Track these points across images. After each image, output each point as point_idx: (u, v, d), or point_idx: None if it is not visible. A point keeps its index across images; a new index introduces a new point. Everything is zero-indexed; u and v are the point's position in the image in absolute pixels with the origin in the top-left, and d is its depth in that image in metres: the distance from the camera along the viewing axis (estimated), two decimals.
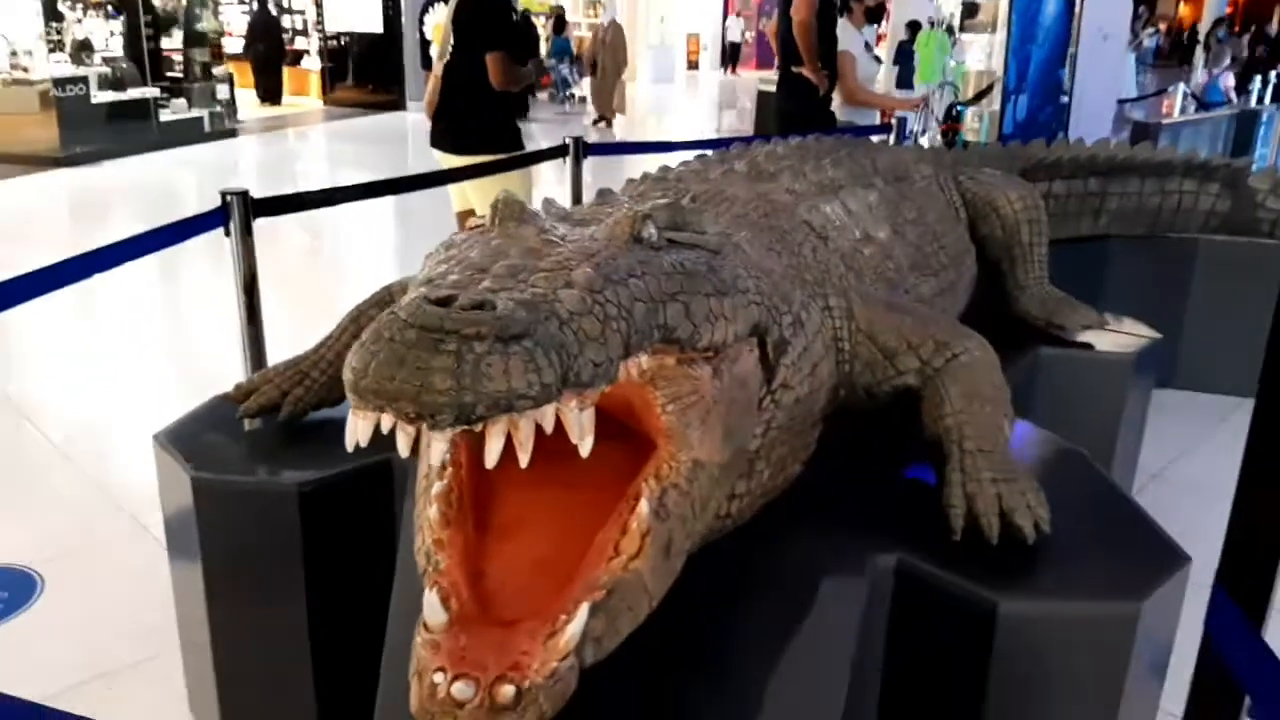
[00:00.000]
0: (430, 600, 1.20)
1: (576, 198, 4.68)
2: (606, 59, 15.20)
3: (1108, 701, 1.50)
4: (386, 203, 8.24)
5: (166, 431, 2.14)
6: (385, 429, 1.06)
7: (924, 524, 1.65)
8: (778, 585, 1.53)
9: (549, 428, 1.11)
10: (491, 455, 1.10)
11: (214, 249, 3.71)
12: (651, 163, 2.63)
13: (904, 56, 12.69)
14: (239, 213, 3.21)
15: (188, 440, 2.08)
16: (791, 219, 2.14)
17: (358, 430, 1.08)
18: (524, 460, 1.11)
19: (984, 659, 1.45)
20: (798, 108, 5.57)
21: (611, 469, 1.34)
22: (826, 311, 1.92)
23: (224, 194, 3.21)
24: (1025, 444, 2.03)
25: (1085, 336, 2.95)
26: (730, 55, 27.18)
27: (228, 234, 3.22)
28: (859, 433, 1.93)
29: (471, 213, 5.09)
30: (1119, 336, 2.99)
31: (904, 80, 12.25)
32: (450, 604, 1.20)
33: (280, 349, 2.86)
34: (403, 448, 1.09)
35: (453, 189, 5.14)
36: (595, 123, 15.11)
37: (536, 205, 1.57)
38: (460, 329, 1.03)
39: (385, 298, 2.19)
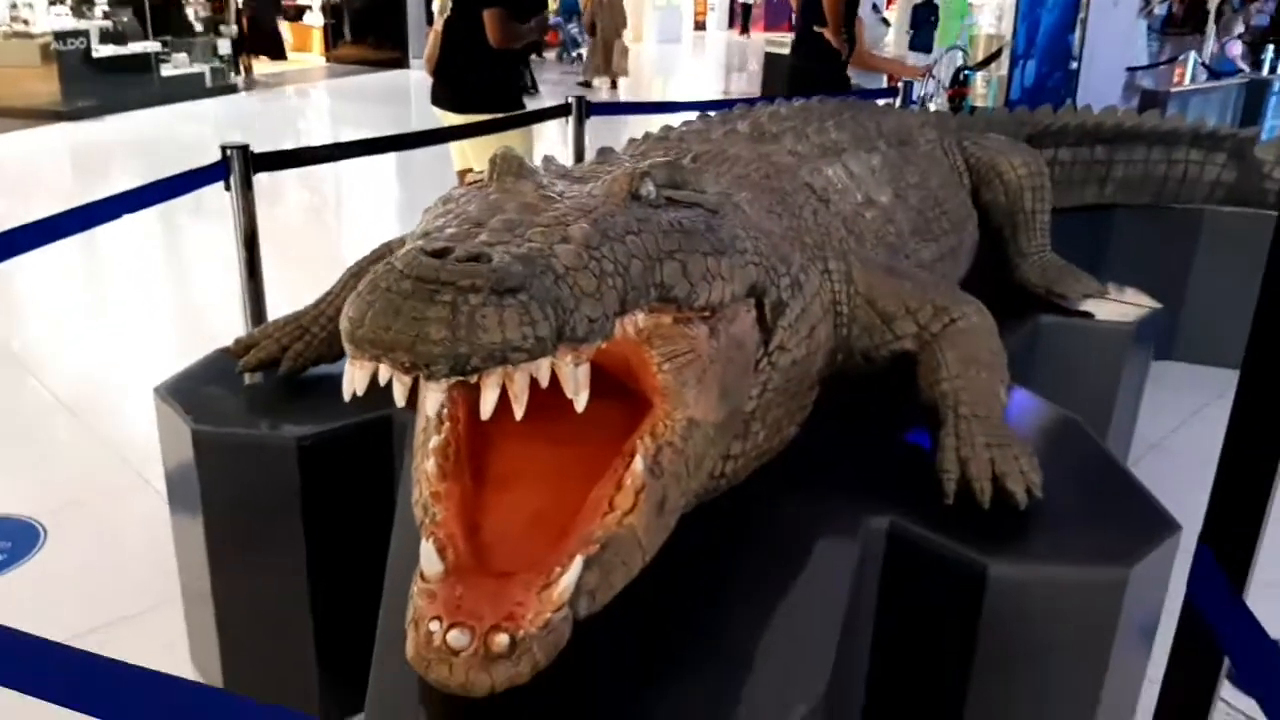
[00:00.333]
0: (427, 551, 1.22)
1: (579, 157, 4.65)
2: (604, 20, 15.00)
3: (1095, 665, 1.52)
4: (388, 160, 8.20)
5: (167, 384, 2.15)
6: (382, 380, 1.08)
7: (917, 487, 1.66)
8: (771, 544, 1.54)
9: (544, 380, 1.12)
10: (486, 406, 1.11)
11: (215, 204, 3.71)
12: (655, 123, 2.62)
13: (919, 20, 12.51)
14: (239, 167, 3.20)
15: (188, 393, 2.09)
16: (793, 181, 2.13)
17: (355, 380, 1.10)
18: (519, 412, 1.12)
19: (973, 620, 1.47)
20: (817, 69, 5.52)
21: (608, 426, 1.35)
22: (826, 275, 1.92)
23: (224, 148, 3.20)
24: (1021, 411, 2.04)
25: (1085, 305, 2.94)
26: (743, 16, 26.86)
27: (228, 189, 3.21)
28: (856, 396, 1.94)
29: (471, 170, 5.07)
30: (1119, 306, 2.98)
31: (918, 44, 12.09)
32: (447, 555, 1.22)
33: (280, 304, 2.87)
34: (399, 398, 1.11)
35: (453, 147, 5.11)
36: (582, 84, 14.74)
37: (537, 163, 1.57)
38: (456, 280, 1.03)
39: (384, 253, 2.19)
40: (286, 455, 1.88)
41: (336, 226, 7.60)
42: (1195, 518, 1.68)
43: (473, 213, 1.26)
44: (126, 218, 3.01)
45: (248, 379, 2.14)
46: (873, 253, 2.19)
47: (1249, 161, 4.20)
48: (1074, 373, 2.71)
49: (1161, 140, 4.12)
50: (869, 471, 1.74)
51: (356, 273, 2.21)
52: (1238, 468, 1.47)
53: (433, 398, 1.14)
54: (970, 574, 1.47)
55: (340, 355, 2.14)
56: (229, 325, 3.25)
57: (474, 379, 1.07)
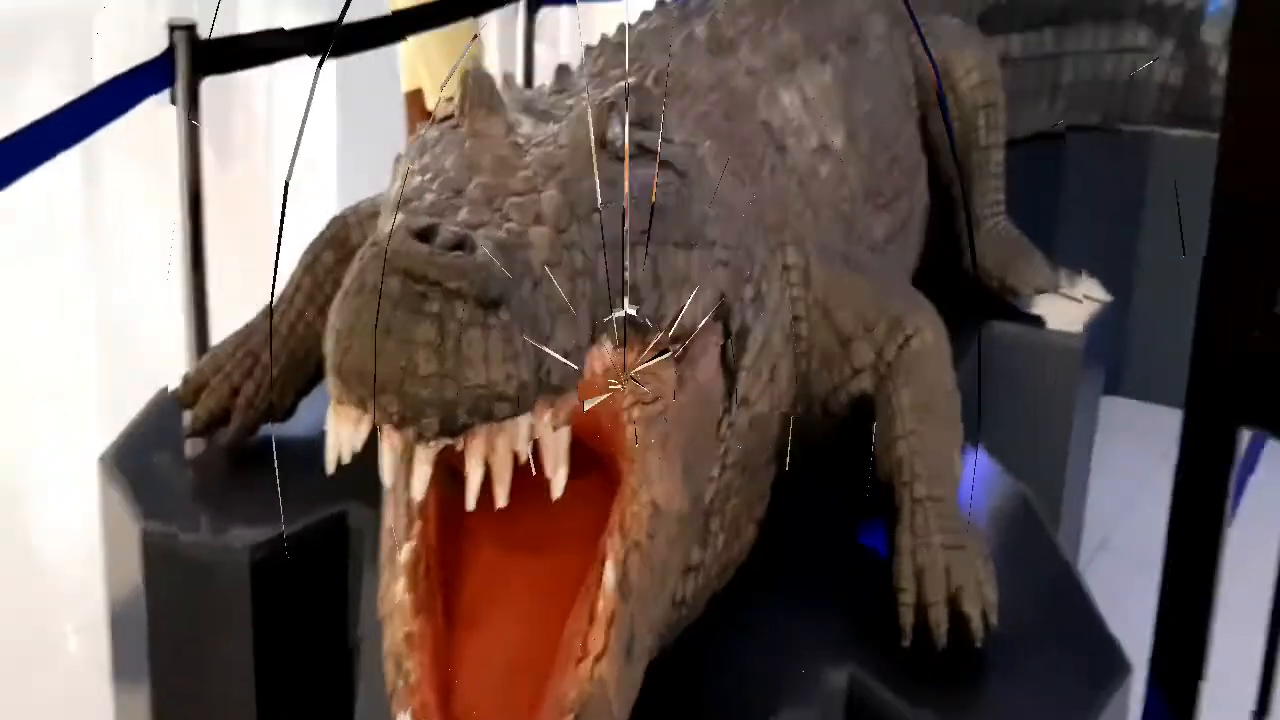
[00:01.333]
0: None
1: (528, 58, 4.39)
2: None
3: None
4: (326, 71, 7.52)
5: (113, 455, 2.05)
6: (358, 443, 1.08)
7: (875, 616, 1.65)
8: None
9: (524, 450, 1.13)
10: (473, 482, 1.12)
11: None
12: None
13: None
14: (185, 62, 2.72)
15: (134, 474, 2.00)
16: (752, 119, 1.99)
17: (340, 441, 1.10)
18: (501, 496, 1.14)
19: None
20: None
21: (578, 518, 1.35)
22: (786, 275, 1.80)
23: (171, 28, 2.72)
24: (970, 480, 2.00)
25: (1037, 303, 2.81)
26: None
27: (174, 100, 2.76)
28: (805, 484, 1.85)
29: (420, 92, 4.84)
30: (1070, 306, 2.85)
31: None
32: None
33: (224, 280, 2.64)
34: (387, 471, 1.13)
35: (402, 60, 4.85)
36: None
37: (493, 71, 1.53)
38: (443, 280, 1.03)
39: (340, 233, 2.04)
40: (239, 565, 1.82)
41: (270, 169, 6.74)
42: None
43: (450, 172, 1.26)
44: None
45: (190, 450, 2.04)
46: (828, 232, 2.03)
47: (1198, 50, 3.91)
48: (1019, 406, 2.64)
49: (1109, 17, 3.81)
50: (824, 596, 1.74)
51: (310, 264, 2.05)
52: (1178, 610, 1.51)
53: (419, 475, 1.11)
54: None
55: (294, 402, 2.05)
56: (167, 329, 3.02)
57: (460, 445, 1.08)
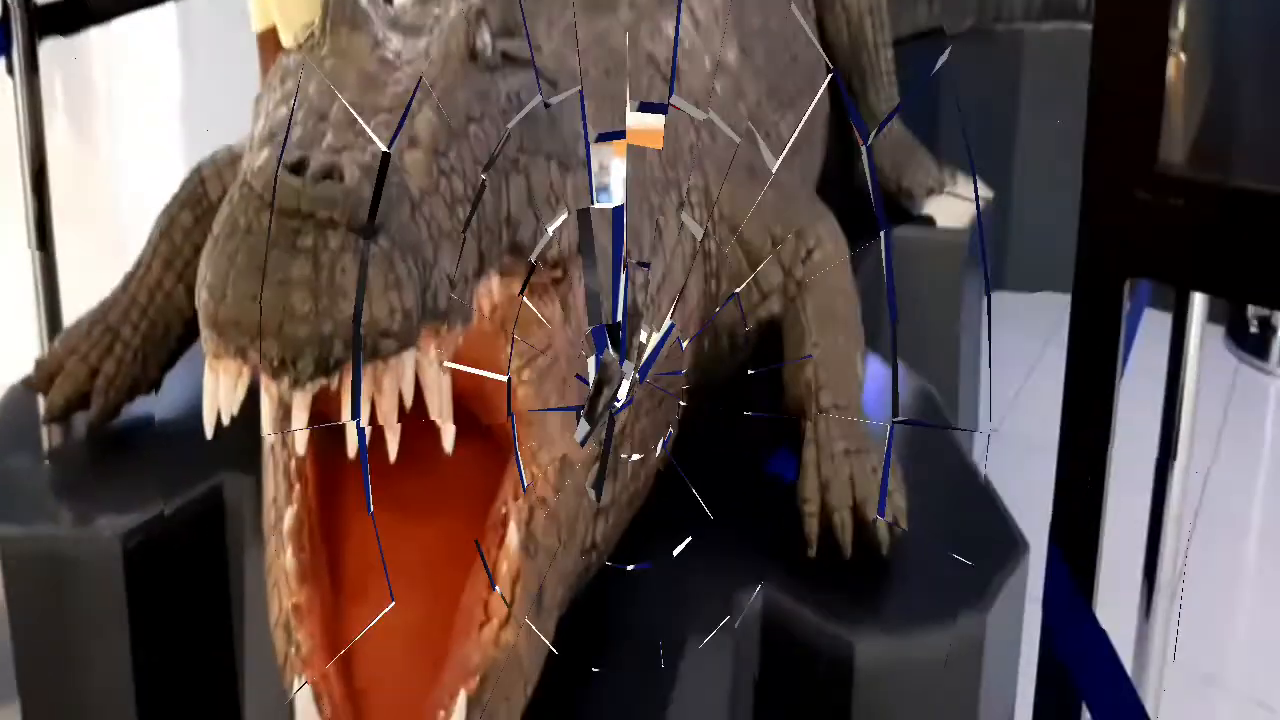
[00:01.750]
0: (304, 705, 1.16)
1: None
2: None
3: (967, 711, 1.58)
4: (167, 22, 7.12)
5: None
6: (237, 402, 1.04)
7: (784, 537, 1.63)
8: (637, 651, 1.51)
9: (409, 392, 1.07)
10: (353, 430, 1.03)
11: None
12: None
13: None
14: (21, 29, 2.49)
15: None
16: (635, 56, 1.90)
17: (220, 396, 1.04)
18: (393, 445, 1.08)
19: (845, 702, 1.49)
20: None
21: (469, 482, 1.31)
22: (686, 198, 1.76)
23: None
24: (878, 387, 1.98)
25: (927, 204, 2.83)
26: None
27: (10, 71, 2.52)
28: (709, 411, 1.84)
29: (274, 31, 4.62)
30: (955, 203, 2.87)
31: None
32: (323, 705, 1.17)
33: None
34: (267, 424, 1.07)
35: (253, 2, 4.61)
36: None
37: None
38: (315, 210, 0.97)
39: (196, 190, 1.92)
40: (111, 555, 1.71)
41: (114, 133, 6.26)
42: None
43: (314, 98, 1.17)
44: None
45: (47, 442, 1.90)
46: (728, 147, 1.92)
47: None
48: (911, 305, 2.65)
49: None
50: (733, 523, 1.69)
51: (166, 226, 1.93)
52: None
53: (298, 423, 1.05)
54: (839, 657, 1.48)
55: (159, 376, 1.94)
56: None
57: (334, 385, 1.01)
